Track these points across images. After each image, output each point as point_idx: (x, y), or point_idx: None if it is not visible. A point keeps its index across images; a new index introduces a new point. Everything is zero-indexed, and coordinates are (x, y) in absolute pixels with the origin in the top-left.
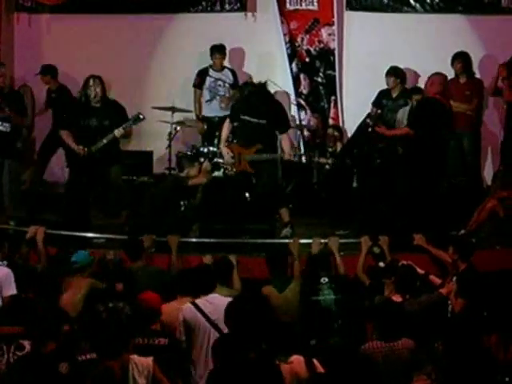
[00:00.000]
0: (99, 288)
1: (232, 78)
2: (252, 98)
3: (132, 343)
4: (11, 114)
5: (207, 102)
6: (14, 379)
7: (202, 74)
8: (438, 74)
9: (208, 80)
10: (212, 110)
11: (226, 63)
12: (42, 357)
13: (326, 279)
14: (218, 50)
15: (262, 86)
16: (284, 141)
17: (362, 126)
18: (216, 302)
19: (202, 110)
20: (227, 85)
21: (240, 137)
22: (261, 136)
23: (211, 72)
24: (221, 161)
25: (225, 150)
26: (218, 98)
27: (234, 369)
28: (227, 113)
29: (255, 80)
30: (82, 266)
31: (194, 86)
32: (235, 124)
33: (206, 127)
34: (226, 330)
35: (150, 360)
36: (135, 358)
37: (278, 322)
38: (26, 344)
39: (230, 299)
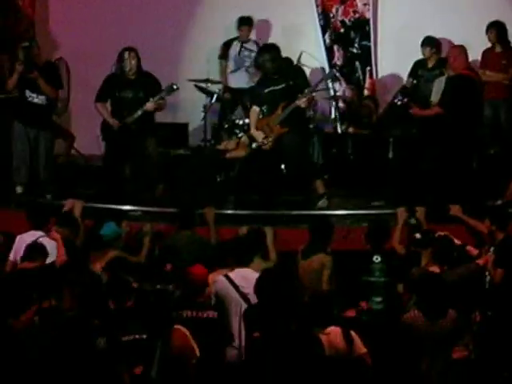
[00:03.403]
0: (125, 258)
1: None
2: (267, 67)
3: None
4: (45, 86)
5: (232, 72)
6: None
7: (227, 45)
8: (455, 46)
9: (233, 51)
10: (238, 81)
11: (256, 35)
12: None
13: (379, 258)
14: (245, 22)
15: (272, 47)
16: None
17: (398, 98)
18: (248, 276)
19: (227, 80)
20: (253, 56)
21: (265, 109)
22: (282, 98)
23: (236, 43)
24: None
25: (255, 134)
26: (243, 69)
27: (277, 340)
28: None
29: (285, 53)
30: (110, 240)
31: (220, 57)
32: (263, 108)
33: (230, 97)
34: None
35: None
36: None
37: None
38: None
39: None
